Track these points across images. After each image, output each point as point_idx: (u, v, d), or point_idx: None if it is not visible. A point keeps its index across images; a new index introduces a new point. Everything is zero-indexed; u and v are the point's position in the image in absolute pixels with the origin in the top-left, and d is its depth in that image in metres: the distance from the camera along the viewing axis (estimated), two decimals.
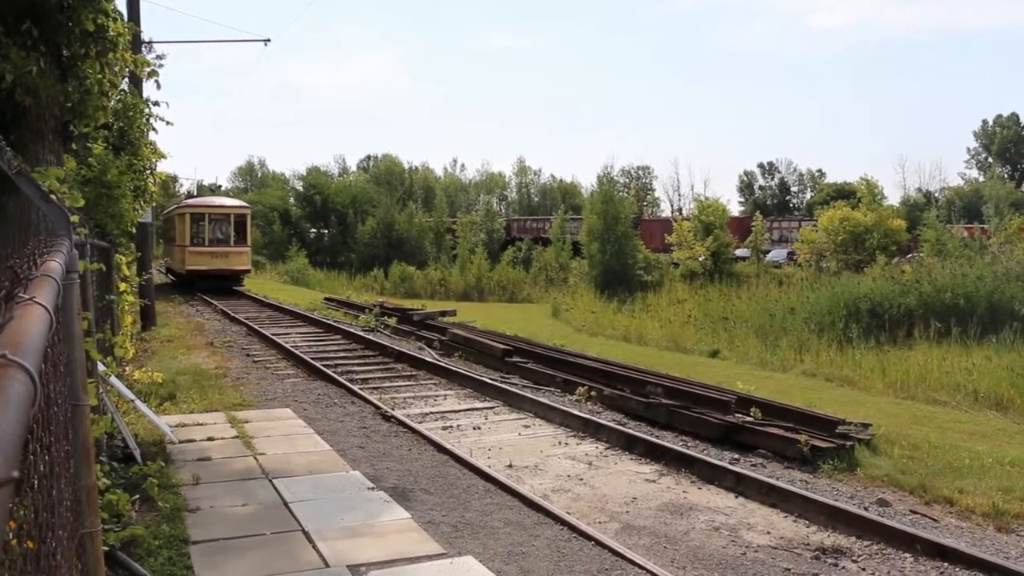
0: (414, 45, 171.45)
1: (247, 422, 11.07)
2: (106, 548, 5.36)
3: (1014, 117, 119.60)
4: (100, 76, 6.74)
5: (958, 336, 19.91)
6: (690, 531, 7.56)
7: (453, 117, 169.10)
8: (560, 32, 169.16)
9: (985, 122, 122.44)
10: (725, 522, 7.83)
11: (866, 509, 8.01)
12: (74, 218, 4.84)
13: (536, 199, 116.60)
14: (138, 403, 9.74)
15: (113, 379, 9.04)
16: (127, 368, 13.25)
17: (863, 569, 6.77)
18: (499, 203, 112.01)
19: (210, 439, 10.01)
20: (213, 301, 30.44)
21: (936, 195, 78.82)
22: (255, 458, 9.25)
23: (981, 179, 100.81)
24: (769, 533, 7.55)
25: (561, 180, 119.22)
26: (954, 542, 7.11)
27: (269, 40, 26.92)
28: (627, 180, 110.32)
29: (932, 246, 36.83)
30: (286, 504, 7.63)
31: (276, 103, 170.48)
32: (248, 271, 38.00)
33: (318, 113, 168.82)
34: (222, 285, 35.38)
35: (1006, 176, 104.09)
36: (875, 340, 20.84)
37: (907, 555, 6.96)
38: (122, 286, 12.61)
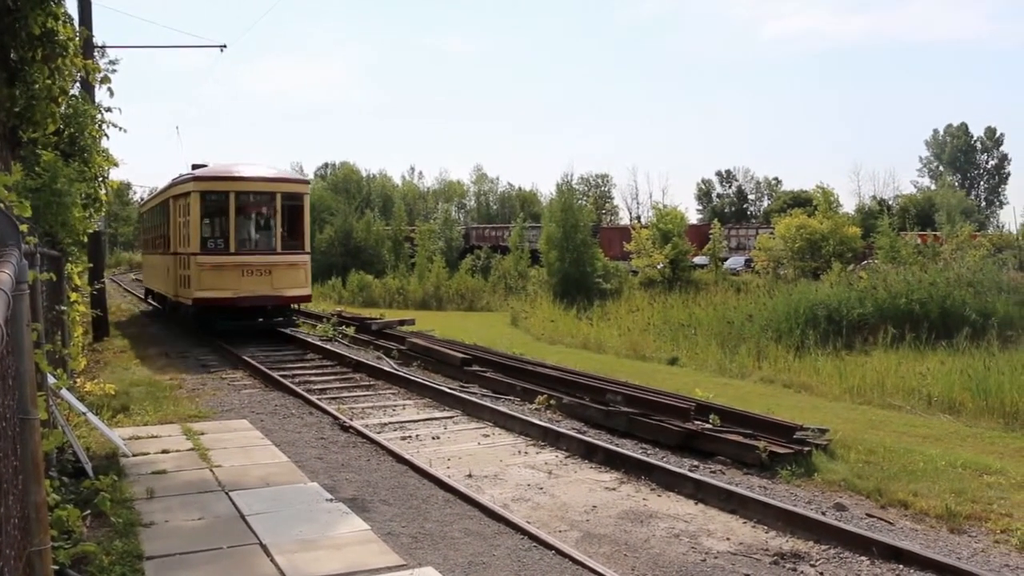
0: (370, 52, 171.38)
1: (203, 434, 10.91)
2: (56, 566, 5.24)
3: (963, 127, 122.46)
4: (49, 81, 6.62)
5: (912, 341, 20.22)
6: (650, 538, 7.57)
7: (411, 123, 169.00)
8: (516, 39, 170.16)
9: (936, 132, 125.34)
10: (685, 529, 7.85)
11: (823, 514, 8.09)
12: (23, 227, 4.73)
13: (495, 207, 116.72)
14: (90, 416, 9.55)
15: (64, 392, 8.85)
16: (78, 380, 13.01)
17: (821, 573, 6.82)
18: (457, 211, 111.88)
19: (165, 452, 9.84)
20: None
21: (890, 203, 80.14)
22: (211, 470, 9.11)
23: (933, 187, 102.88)
24: (728, 539, 7.59)
25: (520, 188, 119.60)
26: (909, 544, 7.20)
27: (225, 46, 26.60)
28: (586, 188, 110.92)
29: (886, 253, 37.43)
30: (243, 517, 7.52)
31: (232, 109, 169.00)
32: (307, 297, 22.57)
33: (275, 119, 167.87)
34: (260, 325, 21.44)
35: (956, 184, 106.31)
36: (832, 346, 21.08)
37: (864, 558, 7.03)
38: (73, 296, 12.38)
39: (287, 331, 21.67)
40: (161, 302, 27.26)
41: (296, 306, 22.17)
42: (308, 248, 22.01)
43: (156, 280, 27.32)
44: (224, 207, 20.71)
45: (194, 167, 22.27)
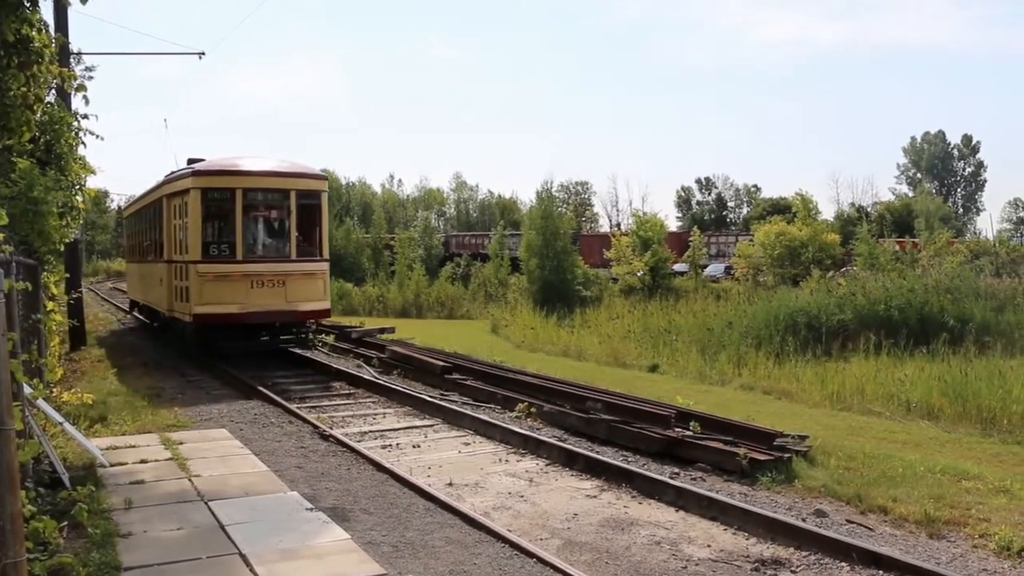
0: (349, 59, 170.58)
1: (181, 443, 10.84)
2: None
3: (940, 134, 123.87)
4: (24, 88, 6.57)
5: (891, 348, 20.34)
6: (631, 546, 7.57)
7: (390, 130, 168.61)
8: (497, 44, 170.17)
9: (914, 139, 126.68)
10: (666, 536, 7.86)
11: (804, 520, 8.11)
12: None
13: (475, 215, 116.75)
14: (66, 426, 9.45)
15: (40, 402, 8.76)
16: (55, 389, 12.88)
17: None
18: (437, 219, 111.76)
19: (143, 461, 9.76)
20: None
21: (868, 210, 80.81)
22: (190, 480, 9.05)
23: (911, 194, 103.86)
24: (709, 546, 7.60)
25: (500, 195, 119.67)
26: (888, 550, 7.23)
27: (204, 53, 26.33)
28: (566, 195, 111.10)
29: (865, 259, 37.66)
30: (222, 527, 7.46)
31: (211, 116, 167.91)
32: (326, 312, 19.30)
33: (254, 128, 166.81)
34: (271, 344, 18.72)
35: (934, 191, 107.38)
36: (812, 353, 21.16)
37: (844, 564, 7.06)
38: (50, 305, 12.27)
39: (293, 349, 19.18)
40: (151, 317, 24.16)
41: (312, 323, 19.14)
42: (326, 255, 19.05)
43: (145, 292, 23.92)
44: (229, 207, 17.57)
45: (190, 161, 19.56)
